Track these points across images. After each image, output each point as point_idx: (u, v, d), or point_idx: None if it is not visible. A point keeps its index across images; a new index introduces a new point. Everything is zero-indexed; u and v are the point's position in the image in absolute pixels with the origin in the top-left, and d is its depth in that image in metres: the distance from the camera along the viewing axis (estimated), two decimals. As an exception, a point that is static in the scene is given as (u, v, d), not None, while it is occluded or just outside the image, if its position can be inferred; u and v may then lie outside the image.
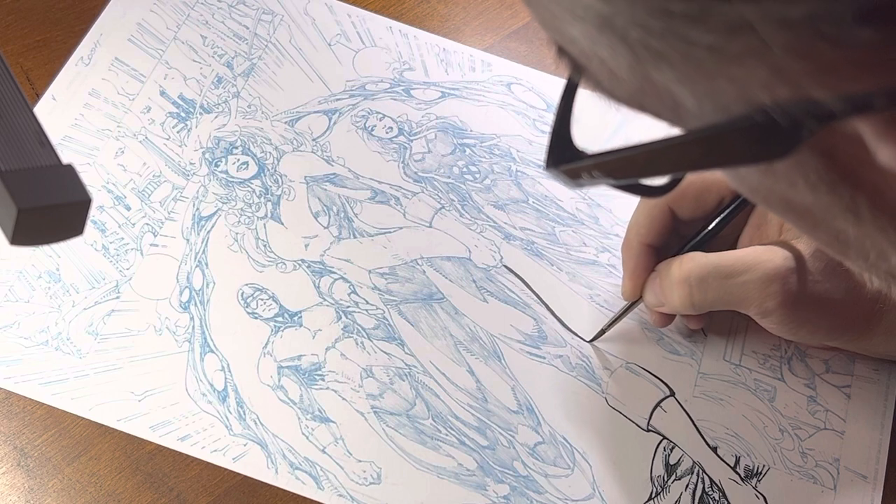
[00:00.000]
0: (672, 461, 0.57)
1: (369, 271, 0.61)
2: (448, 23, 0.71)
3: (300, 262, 0.61)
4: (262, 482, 0.55)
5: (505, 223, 0.64)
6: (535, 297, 0.61)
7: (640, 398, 0.59)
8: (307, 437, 0.56)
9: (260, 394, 0.57)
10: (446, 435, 0.57)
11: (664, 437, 0.58)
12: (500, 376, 0.59)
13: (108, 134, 0.64)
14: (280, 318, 0.59)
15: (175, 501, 0.54)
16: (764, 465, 0.58)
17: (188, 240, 0.61)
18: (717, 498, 0.57)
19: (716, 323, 0.61)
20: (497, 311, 0.61)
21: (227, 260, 0.61)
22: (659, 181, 0.40)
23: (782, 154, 0.23)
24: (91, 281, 0.59)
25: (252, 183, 0.63)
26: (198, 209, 0.62)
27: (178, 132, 0.64)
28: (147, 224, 0.61)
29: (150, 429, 0.55)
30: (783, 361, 0.61)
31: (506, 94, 0.68)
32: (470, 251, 0.63)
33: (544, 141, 0.66)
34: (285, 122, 0.65)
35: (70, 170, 0.36)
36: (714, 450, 0.58)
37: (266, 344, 0.58)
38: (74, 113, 0.64)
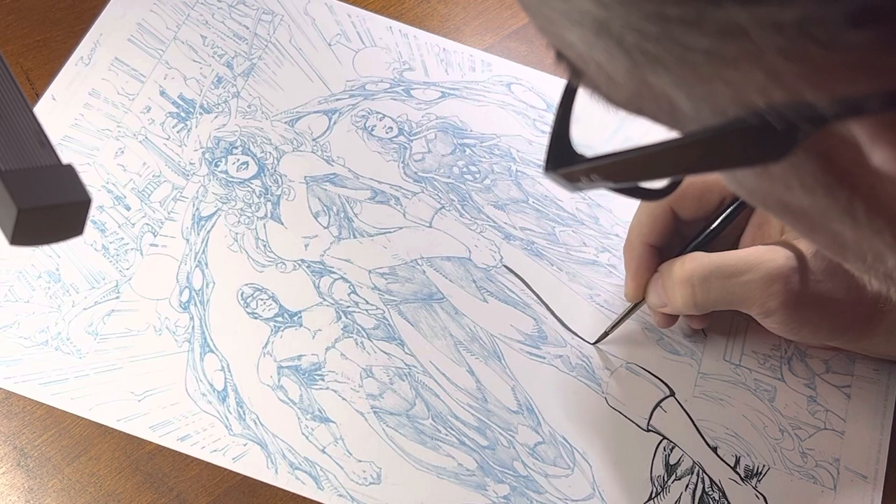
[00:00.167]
0: (672, 461, 0.57)
1: (369, 271, 0.61)
2: (448, 23, 0.71)
3: (300, 262, 0.61)
4: (262, 482, 0.55)
5: (505, 223, 0.64)
6: (535, 298, 0.61)
7: (641, 398, 0.59)
8: (307, 437, 0.56)
9: (260, 394, 0.57)
10: (446, 435, 0.57)
11: (664, 437, 0.58)
12: (500, 376, 0.59)
13: (108, 134, 0.64)
14: (280, 318, 0.59)
15: (175, 501, 0.54)
16: (764, 465, 0.58)
17: (188, 240, 0.61)
18: (717, 498, 0.57)
19: (716, 323, 0.61)
20: (497, 311, 0.61)
21: (227, 260, 0.61)
22: (658, 184, 0.40)
23: (778, 157, 0.23)
24: (91, 281, 0.59)
25: (252, 183, 0.63)
26: (198, 209, 0.62)
27: (178, 132, 0.64)
28: (147, 224, 0.61)
29: (150, 429, 0.55)
30: (783, 361, 0.61)
31: (506, 94, 0.68)
32: (470, 251, 0.63)
33: (544, 141, 0.66)
34: (285, 122, 0.65)
35: (70, 170, 0.36)
36: (714, 450, 0.58)
37: (266, 344, 0.58)
38: (74, 113, 0.64)
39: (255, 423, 0.56)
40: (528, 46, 0.70)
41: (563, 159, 0.34)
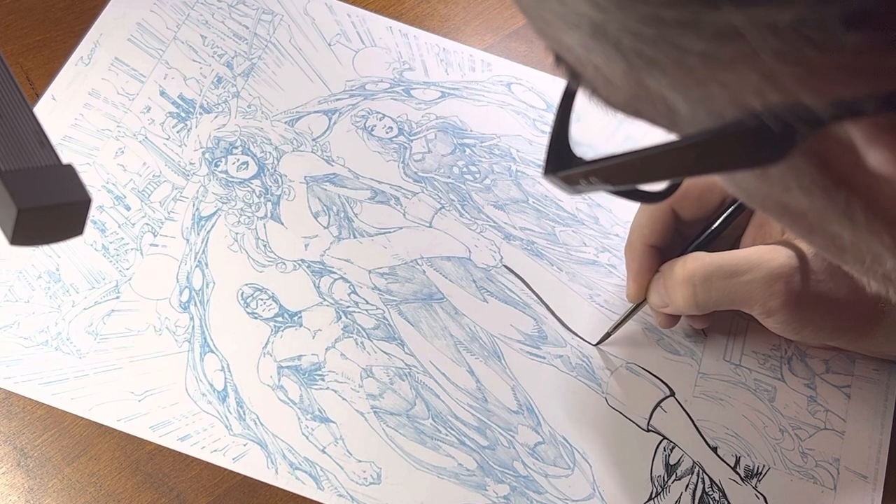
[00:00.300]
0: (672, 461, 0.57)
1: (369, 271, 0.61)
2: (448, 23, 0.71)
3: (300, 262, 0.61)
4: (262, 482, 0.55)
5: (505, 223, 0.64)
6: (535, 298, 0.61)
7: (641, 398, 0.59)
8: (307, 437, 0.56)
9: (260, 394, 0.57)
10: (446, 435, 0.57)
11: (664, 437, 0.58)
12: (500, 376, 0.59)
13: (107, 134, 0.64)
14: (280, 318, 0.59)
15: (175, 501, 0.54)
16: (764, 465, 0.58)
17: (188, 240, 0.61)
18: (717, 498, 0.57)
19: (716, 323, 0.61)
20: (497, 311, 0.61)
21: (227, 260, 0.61)
22: (656, 187, 0.40)
23: (775, 159, 0.24)
24: (91, 281, 0.59)
25: (252, 183, 0.63)
26: (198, 209, 0.62)
27: (177, 132, 0.64)
28: (147, 224, 0.61)
29: (150, 429, 0.55)
30: (783, 361, 0.61)
31: (506, 94, 0.68)
32: (470, 251, 0.63)
33: (544, 141, 0.66)
34: (285, 122, 0.65)
35: (70, 170, 0.36)
36: (714, 450, 0.58)
37: (266, 344, 0.58)
38: (74, 113, 0.64)
39: (256, 423, 0.56)
40: (528, 46, 0.70)
41: (561, 162, 0.34)
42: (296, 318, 0.59)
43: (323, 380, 0.58)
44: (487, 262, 0.62)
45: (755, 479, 0.57)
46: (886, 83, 0.21)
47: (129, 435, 0.55)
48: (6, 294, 0.58)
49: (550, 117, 0.67)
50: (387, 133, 0.66)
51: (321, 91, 0.67)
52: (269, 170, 0.64)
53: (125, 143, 0.63)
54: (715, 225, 0.57)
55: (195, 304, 0.59)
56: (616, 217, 0.65)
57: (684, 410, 0.59)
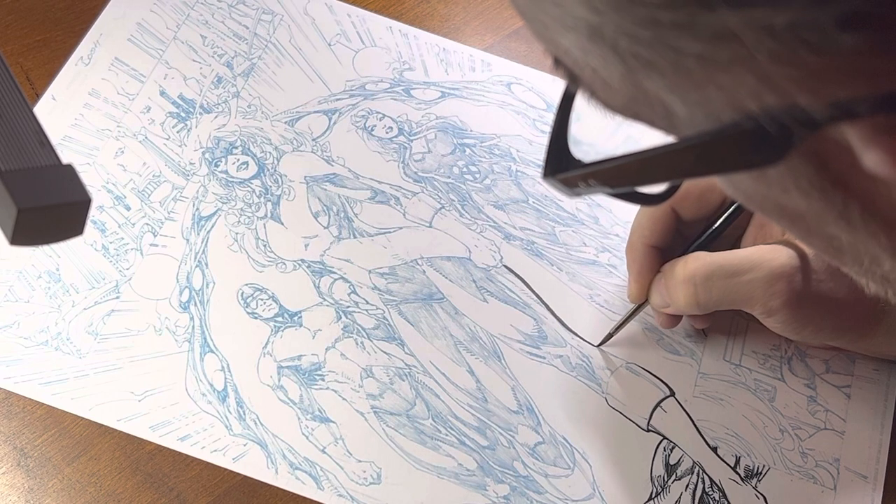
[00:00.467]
0: (672, 461, 0.57)
1: (369, 271, 0.61)
2: (448, 23, 0.71)
3: (300, 262, 0.61)
4: (262, 482, 0.55)
5: (505, 223, 0.64)
6: (535, 298, 0.61)
7: (641, 398, 0.59)
8: (307, 437, 0.56)
9: (260, 394, 0.57)
10: (446, 435, 0.57)
11: (664, 437, 0.58)
12: (500, 376, 0.59)
13: (107, 134, 0.64)
14: (280, 318, 0.59)
15: (175, 501, 0.54)
16: (764, 465, 0.58)
17: (188, 240, 0.61)
18: (717, 498, 0.57)
19: (716, 323, 0.61)
20: (497, 311, 0.61)
21: (227, 260, 0.61)
22: (656, 189, 0.40)
23: (773, 161, 0.24)
24: (91, 281, 0.59)
25: (252, 183, 0.63)
26: (198, 209, 0.62)
27: (177, 132, 0.64)
28: (147, 224, 0.61)
29: (150, 429, 0.55)
30: (783, 361, 0.61)
31: (506, 94, 0.68)
32: (470, 251, 0.63)
33: (544, 141, 0.66)
34: (285, 122, 0.65)
35: (70, 170, 0.36)
36: (714, 450, 0.58)
37: (266, 344, 0.58)
38: (74, 113, 0.64)
39: (255, 423, 0.56)
40: (528, 46, 0.70)
41: (560, 165, 0.34)
42: (296, 318, 0.59)
43: (323, 380, 0.58)
44: (487, 262, 0.62)
45: (755, 479, 0.57)
46: (882, 85, 0.21)
47: (129, 435, 0.55)
48: (6, 294, 0.58)
49: (550, 117, 0.67)
50: (387, 133, 0.66)
51: (321, 91, 0.67)
52: (269, 170, 0.64)
53: (125, 143, 0.63)
54: (716, 225, 0.57)
55: (195, 304, 0.59)
56: (616, 217, 0.65)
57: (684, 410, 0.59)
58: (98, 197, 0.61)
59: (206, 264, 0.60)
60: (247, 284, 0.60)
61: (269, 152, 0.64)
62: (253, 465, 0.55)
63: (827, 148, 0.24)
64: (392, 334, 0.59)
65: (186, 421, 0.56)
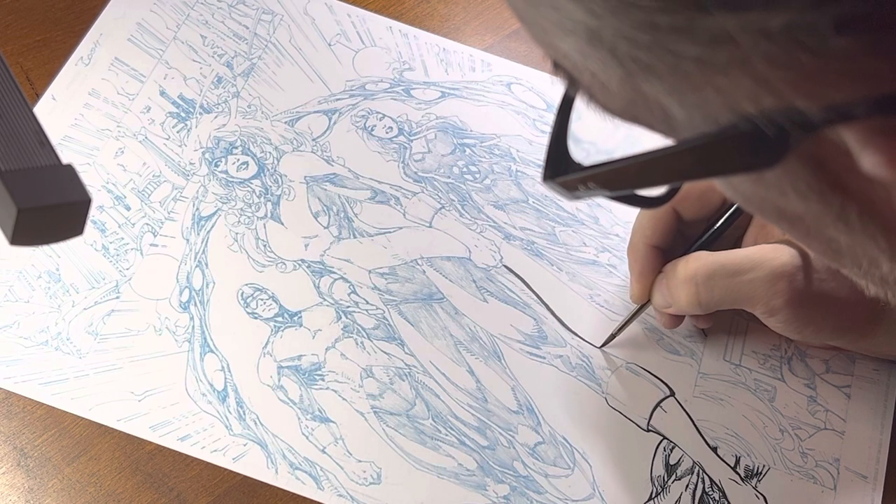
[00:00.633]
0: (672, 461, 0.57)
1: (369, 271, 0.61)
2: (448, 23, 0.71)
3: (300, 262, 0.61)
4: (262, 482, 0.55)
5: (505, 223, 0.64)
6: (536, 298, 0.61)
7: (641, 398, 0.59)
8: (307, 437, 0.56)
9: (260, 394, 0.57)
10: (446, 435, 0.57)
11: (664, 437, 0.58)
12: (500, 376, 0.59)
13: (107, 134, 0.64)
14: (280, 318, 0.59)
15: (175, 501, 0.54)
16: (764, 465, 0.58)
17: (188, 240, 0.61)
18: (717, 498, 0.57)
19: (716, 323, 0.61)
20: (497, 311, 0.61)
21: (227, 260, 0.61)
22: (656, 192, 0.40)
23: (770, 163, 0.24)
24: (91, 281, 0.59)
25: (252, 183, 0.63)
26: (198, 209, 0.62)
27: (177, 132, 0.64)
28: (147, 224, 0.61)
29: (150, 429, 0.55)
30: (783, 361, 0.61)
31: (506, 94, 0.68)
32: (470, 251, 0.63)
33: (544, 141, 0.66)
34: (285, 122, 0.65)
35: (70, 170, 0.36)
36: (714, 450, 0.58)
37: (266, 344, 0.58)
38: (74, 113, 0.64)
39: (255, 423, 0.56)
40: (528, 46, 0.70)
41: (560, 168, 0.34)
42: (296, 318, 0.59)
43: (323, 380, 0.58)
44: (487, 262, 0.62)
45: (755, 479, 0.57)
46: (878, 87, 0.21)
47: (129, 435, 0.55)
48: (6, 294, 0.58)
49: (550, 117, 0.67)
50: (387, 133, 0.66)
51: (321, 91, 0.67)
52: (269, 170, 0.64)
53: (125, 143, 0.63)
54: (717, 225, 0.57)
55: (195, 304, 0.59)
56: (616, 217, 0.65)
57: (684, 410, 0.59)
58: (98, 197, 0.61)
59: (206, 264, 0.60)
60: (247, 284, 0.60)
61: (269, 152, 0.64)
62: (253, 465, 0.55)
63: (824, 150, 0.24)
64: (392, 334, 0.59)
65: (186, 421, 0.56)
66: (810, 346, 0.61)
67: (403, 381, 0.58)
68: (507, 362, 0.59)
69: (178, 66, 0.66)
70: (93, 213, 0.61)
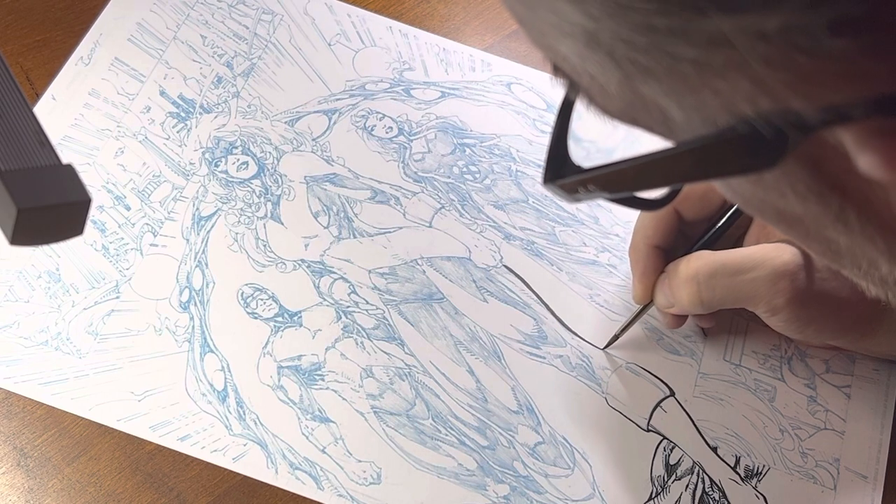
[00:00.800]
0: (672, 461, 0.57)
1: (369, 271, 0.61)
2: (448, 23, 0.71)
3: (300, 262, 0.61)
4: (262, 482, 0.55)
5: (505, 223, 0.64)
6: (536, 298, 0.61)
7: (641, 398, 0.59)
8: (307, 437, 0.56)
9: (260, 394, 0.57)
10: (446, 435, 0.57)
11: (664, 437, 0.58)
12: (500, 376, 0.59)
13: (107, 134, 0.64)
14: (280, 318, 0.59)
15: (175, 501, 0.54)
16: (764, 465, 0.58)
17: (188, 240, 0.61)
18: (717, 498, 0.57)
19: (716, 323, 0.61)
20: (497, 311, 0.61)
21: (227, 260, 0.61)
22: (656, 194, 0.40)
23: (769, 165, 0.24)
24: (91, 281, 0.59)
25: (252, 183, 0.63)
26: (198, 209, 0.62)
27: (177, 132, 0.64)
28: (147, 224, 0.61)
29: (150, 429, 0.55)
30: (783, 361, 0.61)
31: (506, 94, 0.68)
32: (470, 251, 0.63)
33: (544, 141, 0.66)
34: (285, 122, 0.65)
35: (70, 170, 0.36)
36: (714, 450, 0.58)
37: (266, 344, 0.58)
38: (74, 113, 0.64)
39: (255, 423, 0.56)
40: (528, 46, 0.70)
41: (560, 171, 0.34)
42: (296, 318, 0.59)
43: (323, 380, 0.58)
44: (487, 262, 0.62)
45: (755, 479, 0.57)
46: (875, 87, 0.21)
47: (129, 435, 0.55)
48: (6, 294, 0.58)
49: (550, 117, 0.67)
50: (387, 133, 0.66)
51: (321, 91, 0.67)
52: (269, 170, 0.64)
53: (125, 143, 0.63)
54: (719, 224, 0.57)
55: (195, 304, 0.59)
56: (616, 217, 0.65)
57: (684, 410, 0.59)
58: (98, 197, 0.61)
59: (206, 264, 0.60)
60: (247, 284, 0.60)
61: (269, 152, 0.64)
62: (253, 465, 0.55)
63: (822, 152, 0.24)
64: (392, 334, 0.59)
65: (186, 421, 0.56)
66: (810, 345, 0.61)
67: (403, 381, 0.58)
68: (507, 362, 0.59)
69: (178, 66, 0.66)
70: (93, 213, 0.61)
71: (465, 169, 0.65)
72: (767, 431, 0.59)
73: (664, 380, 0.60)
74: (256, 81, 0.67)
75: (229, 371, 0.57)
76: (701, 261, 0.54)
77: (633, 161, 0.28)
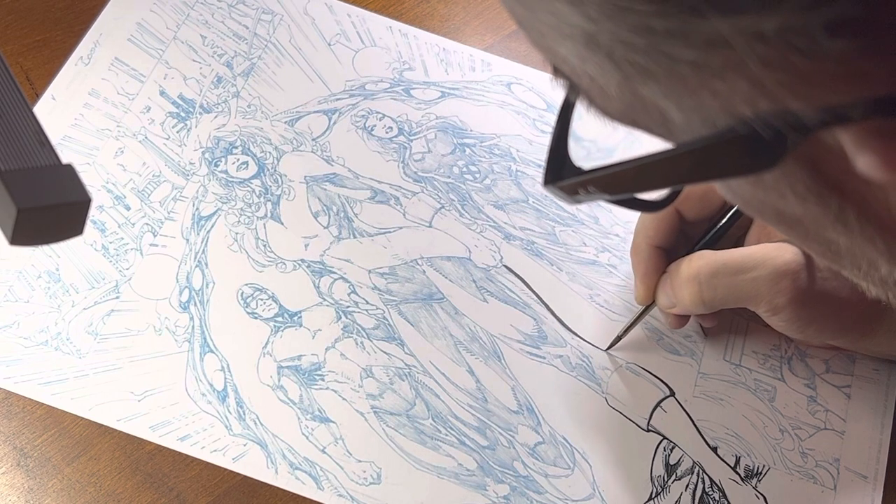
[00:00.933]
0: (672, 461, 0.57)
1: (369, 271, 0.61)
2: (448, 23, 0.71)
3: (300, 262, 0.61)
4: (261, 482, 0.55)
5: (505, 223, 0.64)
6: (536, 298, 0.61)
7: (641, 398, 0.59)
8: (307, 437, 0.56)
9: (260, 394, 0.57)
10: (446, 435, 0.57)
11: (664, 437, 0.58)
12: (500, 376, 0.59)
13: (107, 134, 0.64)
14: (280, 318, 0.59)
15: (175, 501, 0.54)
16: (764, 465, 0.58)
17: (188, 240, 0.61)
18: (717, 498, 0.57)
19: (718, 322, 0.61)
20: (497, 311, 0.61)
21: (226, 260, 0.61)
22: (656, 195, 0.41)
23: (768, 166, 0.24)
24: (91, 281, 0.59)
25: (252, 183, 0.63)
26: (197, 209, 0.62)
27: (177, 132, 0.64)
28: (147, 224, 0.61)
29: (150, 429, 0.55)
30: (783, 361, 0.61)
31: (506, 94, 0.68)
32: (470, 251, 0.63)
33: (544, 141, 0.66)
34: (285, 122, 0.65)
35: (70, 170, 0.36)
36: (714, 450, 0.58)
37: (266, 344, 0.58)
38: (74, 113, 0.64)
39: (255, 423, 0.56)
40: (528, 46, 0.70)
41: (560, 172, 0.34)
42: (296, 318, 0.59)
43: (323, 380, 0.58)
44: (487, 262, 0.62)
45: (755, 479, 0.57)
46: (873, 88, 0.21)
47: (129, 435, 0.55)
48: (6, 294, 0.58)
49: (550, 117, 0.67)
50: (387, 133, 0.66)
51: (321, 91, 0.67)
52: (269, 170, 0.64)
53: (125, 143, 0.63)
54: (720, 224, 0.57)
55: (195, 304, 0.59)
56: (616, 217, 0.65)
57: (684, 410, 0.59)
58: (98, 197, 0.61)
59: (206, 264, 0.60)
60: (247, 284, 0.60)
61: (269, 152, 0.64)
62: (253, 465, 0.55)
63: (821, 152, 0.24)
64: (392, 334, 0.59)
65: (186, 421, 0.56)
66: (810, 345, 0.61)
67: (403, 381, 0.58)
68: (507, 362, 0.59)
69: (178, 65, 0.66)
70: (93, 212, 0.61)
71: (465, 169, 0.65)
72: (767, 431, 0.59)
73: (664, 380, 0.60)
74: (256, 81, 0.67)
75: (229, 371, 0.57)
76: (702, 260, 0.54)
77: (633, 163, 0.28)
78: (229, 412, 0.56)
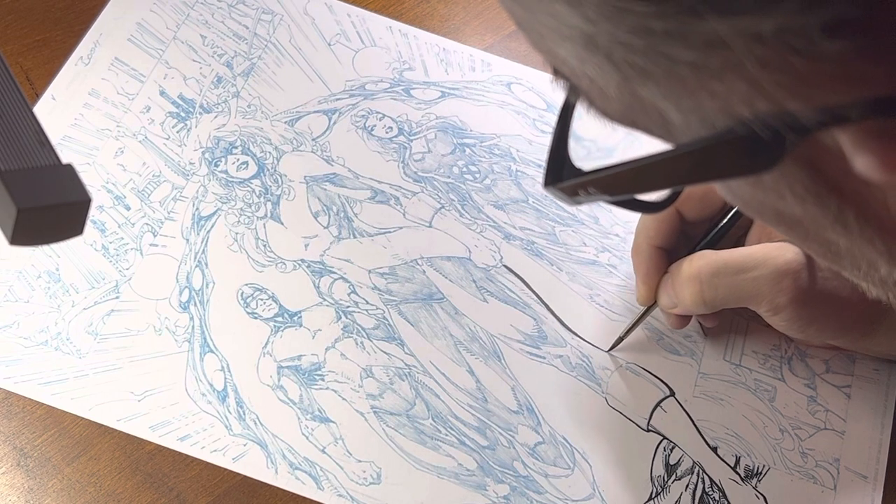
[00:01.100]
0: (672, 461, 0.57)
1: (369, 271, 0.61)
2: (448, 23, 0.71)
3: (300, 262, 0.61)
4: (261, 482, 0.55)
5: (505, 223, 0.64)
6: (536, 298, 0.61)
7: (640, 398, 0.59)
8: (307, 437, 0.56)
9: (260, 394, 0.57)
10: (446, 435, 0.57)
11: (664, 437, 0.58)
12: (500, 376, 0.59)
13: (107, 134, 0.64)
14: (280, 318, 0.59)
15: (175, 501, 0.54)
16: (764, 465, 0.58)
17: (188, 240, 0.61)
18: (717, 498, 0.57)
19: (719, 322, 0.61)
20: (497, 311, 0.61)
21: (226, 260, 0.61)
22: (656, 196, 0.41)
23: (767, 167, 0.24)
24: (91, 281, 0.59)
25: (252, 183, 0.63)
26: (197, 209, 0.62)
27: (177, 132, 0.64)
28: (147, 224, 0.61)
29: (150, 429, 0.55)
30: (783, 361, 0.61)
31: (506, 94, 0.68)
32: (470, 251, 0.63)
33: (544, 141, 0.66)
34: (285, 122, 0.65)
35: (70, 170, 0.36)
36: (714, 450, 0.58)
37: (266, 344, 0.58)
38: (74, 113, 0.64)
39: (255, 423, 0.56)
40: (528, 46, 0.70)
41: (561, 174, 0.34)
42: (296, 318, 0.59)
43: (323, 380, 0.58)
44: (487, 262, 0.62)
45: (755, 479, 0.57)
46: (871, 89, 0.21)
47: (129, 435, 0.55)
48: (6, 294, 0.58)
49: (550, 117, 0.67)
50: (387, 133, 0.66)
51: (321, 91, 0.67)
52: (268, 170, 0.64)
53: (125, 143, 0.63)
54: (721, 224, 0.57)
55: (195, 304, 0.59)
56: (616, 217, 0.65)
57: (684, 410, 0.59)
58: (98, 197, 0.61)
59: (206, 264, 0.60)
60: (247, 284, 0.60)
61: (269, 152, 0.64)
62: (253, 465, 0.55)
63: (820, 153, 0.24)
64: (392, 334, 0.59)
65: (186, 421, 0.56)
66: (810, 345, 0.61)
67: (403, 381, 0.58)
68: (507, 362, 0.59)
69: (178, 65, 0.66)
70: (93, 212, 0.61)
71: (465, 169, 0.65)
72: (767, 431, 0.59)
73: (664, 380, 0.60)
74: (256, 81, 0.67)
75: (229, 371, 0.57)
76: (703, 260, 0.54)
77: (633, 164, 0.28)
78: (229, 412, 0.56)
